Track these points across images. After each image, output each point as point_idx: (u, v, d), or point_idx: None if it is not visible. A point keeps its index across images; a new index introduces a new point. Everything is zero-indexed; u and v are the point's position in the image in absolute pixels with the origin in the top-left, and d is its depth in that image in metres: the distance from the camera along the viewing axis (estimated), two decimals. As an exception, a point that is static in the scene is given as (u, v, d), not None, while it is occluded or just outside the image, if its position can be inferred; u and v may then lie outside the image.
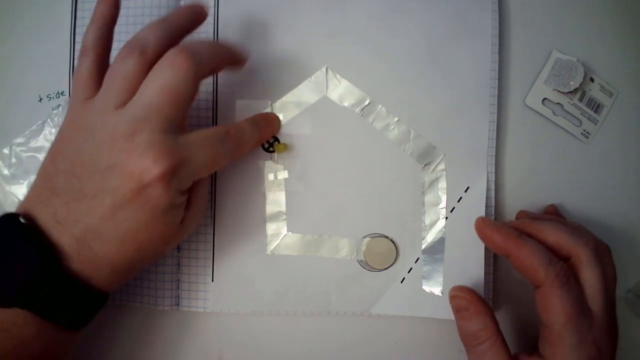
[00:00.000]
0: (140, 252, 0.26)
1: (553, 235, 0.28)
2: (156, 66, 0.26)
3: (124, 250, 0.26)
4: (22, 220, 0.25)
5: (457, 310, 0.30)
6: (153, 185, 0.24)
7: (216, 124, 0.34)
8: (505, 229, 0.28)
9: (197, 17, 0.29)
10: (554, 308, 0.26)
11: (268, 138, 0.33)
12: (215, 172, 0.34)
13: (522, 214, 0.33)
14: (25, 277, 0.24)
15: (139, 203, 0.25)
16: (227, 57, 0.30)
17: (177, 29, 0.28)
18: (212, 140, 0.27)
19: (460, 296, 0.30)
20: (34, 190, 0.26)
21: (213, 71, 0.29)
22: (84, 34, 0.29)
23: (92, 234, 0.25)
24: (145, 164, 0.24)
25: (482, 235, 0.29)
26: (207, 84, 0.34)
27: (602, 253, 0.28)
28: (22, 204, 0.26)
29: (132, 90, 0.26)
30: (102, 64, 0.28)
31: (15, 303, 0.24)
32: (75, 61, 0.35)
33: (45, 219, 0.25)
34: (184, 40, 0.29)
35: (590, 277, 0.27)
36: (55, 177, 0.26)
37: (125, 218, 0.25)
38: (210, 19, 0.34)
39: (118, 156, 0.25)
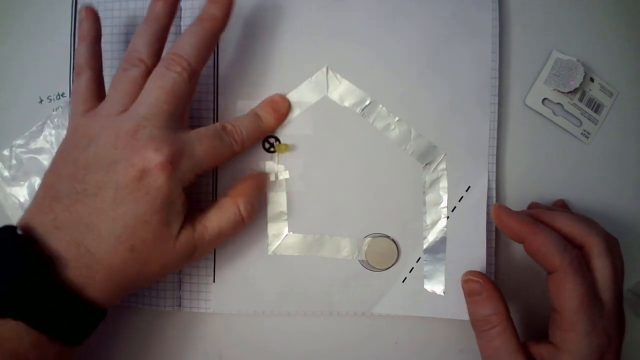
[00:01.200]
0: (134, 254, 0.26)
1: (566, 224, 0.28)
2: (154, 71, 0.28)
3: (120, 249, 0.26)
4: (18, 231, 0.25)
5: (469, 294, 0.30)
6: (154, 172, 0.26)
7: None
8: (521, 215, 0.29)
9: (171, 10, 0.30)
10: (568, 294, 0.26)
11: (278, 123, 0.33)
12: (216, 172, 0.34)
13: (535, 205, 0.33)
14: (16, 285, 0.24)
15: (140, 194, 0.26)
16: (213, 38, 0.30)
17: (161, 29, 0.30)
18: (210, 135, 0.29)
19: (474, 280, 0.30)
20: (34, 200, 0.27)
21: (206, 59, 0.29)
22: (76, 54, 0.31)
23: (91, 232, 0.25)
24: (146, 154, 0.26)
25: (499, 221, 0.29)
26: (207, 84, 0.34)
27: (613, 246, 0.28)
28: (23, 215, 0.27)
29: (134, 97, 0.28)
30: (98, 78, 0.30)
31: (5, 312, 0.24)
32: (75, 62, 0.34)
33: (44, 227, 0.25)
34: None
35: (602, 267, 0.27)
36: (57, 184, 0.26)
37: (125, 211, 0.25)
38: (210, 20, 0.34)
39: (122, 152, 0.26)
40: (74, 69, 0.34)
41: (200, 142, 0.28)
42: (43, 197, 0.27)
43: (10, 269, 0.24)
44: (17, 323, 0.24)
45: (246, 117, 0.31)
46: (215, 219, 0.29)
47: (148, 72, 0.28)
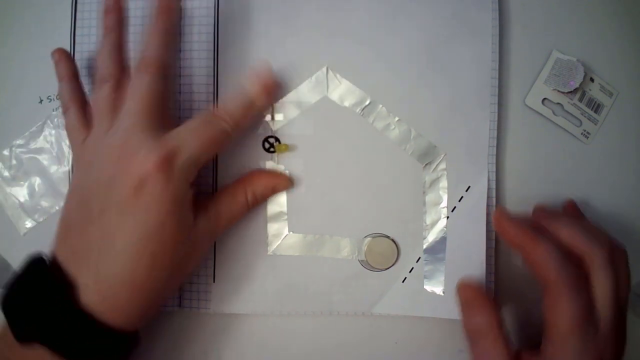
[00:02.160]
0: (156, 260, 0.26)
1: (568, 233, 0.27)
2: (129, 84, 0.29)
3: (140, 260, 0.26)
4: (45, 258, 0.27)
5: (463, 303, 0.30)
6: (151, 178, 0.25)
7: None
8: (522, 224, 0.28)
9: (120, 18, 0.31)
10: (561, 311, 0.26)
11: (268, 95, 0.30)
12: (216, 173, 0.34)
13: (540, 209, 0.32)
14: (38, 311, 0.25)
15: (144, 201, 0.25)
16: (174, 29, 0.30)
17: (118, 39, 0.30)
18: (200, 125, 0.28)
19: (467, 290, 0.30)
20: (56, 230, 0.28)
21: (174, 50, 0.30)
22: (59, 92, 0.32)
23: (106, 254, 0.25)
24: (139, 162, 0.26)
25: (499, 227, 0.29)
26: (207, 84, 0.34)
27: (618, 258, 0.27)
28: (51, 246, 0.28)
29: (116, 111, 0.28)
30: (84, 109, 0.31)
31: (30, 337, 0.24)
32: (75, 61, 0.35)
33: (64, 255, 0.26)
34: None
35: (601, 283, 0.26)
36: (70, 214, 0.28)
37: (135, 223, 0.25)
38: (210, 19, 0.34)
39: (116, 167, 0.26)
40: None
41: (192, 135, 0.27)
42: (61, 227, 0.28)
43: (36, 295, 0.25)
44: (43, 348, 0.24)
45: (233, 95, 0.30)
46: (227, 204, 0.30)
47: (120, 83, 0.29)
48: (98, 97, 0.29)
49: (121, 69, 0.30)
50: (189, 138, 0.27)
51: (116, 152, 0.26)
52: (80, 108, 0.30)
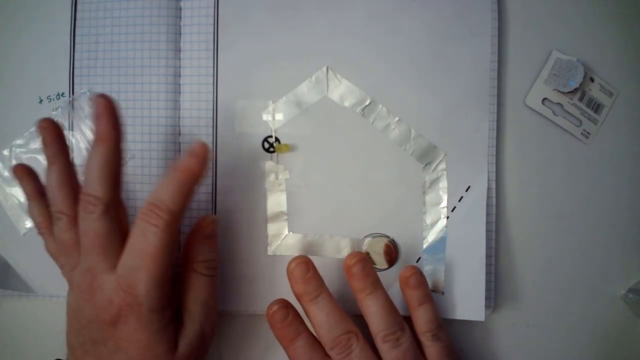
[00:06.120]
0: None
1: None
2: (79, 221, 0.27)
3: None
4: None
5: (274, 321, 0.30)
6: (121, 321, 0.26)
7: (216, 126, 0.34)
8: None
9: (62, 151, 0.29)
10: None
11: (202, 167, 0.27)
12: (216, 173, 0.34)
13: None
14: None
15: (123, 341, 0.26)
16: (113, 161, 0.27)
17: (63, 171, 0.29)
18: (137, 243, 0.26)
19: (278, 308, 0.30)
20: (67, 342, 0.29)
21: (116, 189, 0.28)
22: (28, 210, 0.31)
23: None
24: (105, 307, 0.26)
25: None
26: (207, 84, 0.34)
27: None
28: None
29: (75, 248, 0.28)
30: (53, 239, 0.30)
31: None
32: (75, 62, 0.35)
33: None
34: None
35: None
36: (70, 334, 0.28)
37: (122, 357, 0.26)
38: (210, 20, 0.34)
39: (90, 307, 0.27)
40: (74, 69, 0.34)
41: (134, 258, 0.26)
42: (67, 344, 0.28)
43: None
44: None
45: (164, 181, 0.27)
46: (191, 294, 0.29)
47: (72, 219, 0.28)
48: (57, 234, 0.29)
49: (70, 205, 0.28)
50: (136, 263, 0.26)
51: (86, 294, 0.27)
52: (52, 234, 0.30)
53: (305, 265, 0.30)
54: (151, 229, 0.26)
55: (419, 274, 0.31)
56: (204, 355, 0.30)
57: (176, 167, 0.27)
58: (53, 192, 0.28)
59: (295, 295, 0.30)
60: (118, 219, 0.28)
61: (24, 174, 0.31)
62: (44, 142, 0.29)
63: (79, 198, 0.27)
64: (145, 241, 0.26)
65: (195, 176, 0.27)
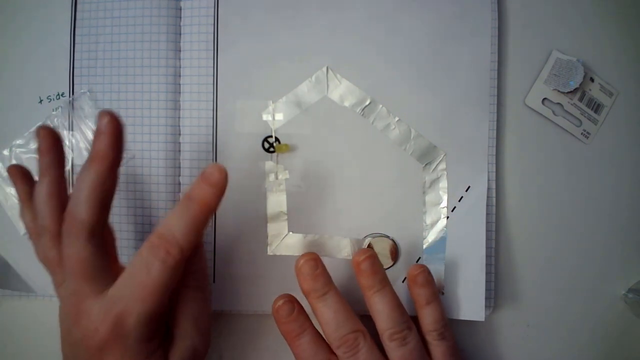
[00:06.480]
0: None
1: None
2: (62, 243, 0.26)
3: None
4: None
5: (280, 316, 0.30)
6: (107, 349, 0.25)
7: (216, 126, 0.34)
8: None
9: (56, 163, 0.28)
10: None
11: (219, 198, 0.25)
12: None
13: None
14: None
15: None
16: (103, 184, 0.25)
17: (54, 184, 0.27)
18: (137, 274, 0.25)
19: (284, 303, 0.30)
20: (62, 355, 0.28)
21: (104, 212, 0.26)
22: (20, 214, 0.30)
23: None
24: (91, 337, 0.25)
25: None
26: (207, 84, 0.34)
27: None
28: None
29: (60, 265, 0.26)
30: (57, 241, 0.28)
31: None
32: (75, 62, 0.35)
33: None
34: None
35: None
36: (62, 343, 0.27)
37: None
38: (210, 20, 0.34)
39: (76, 332, 0.25)
40: (74, 69, 0.34)
41: (130, 289, 0.25)
42: (62, 353, 0.27)
43: None
44: None
45: (176, 211, 0.25)
46: (180, 309, 0.28)
47: (56, 236, 0.26)
48: (42, 248, 0.27)
49: (56, 221, 0.27)
50: (130, 295, 0.24)
51: (73, 317, 0.25)
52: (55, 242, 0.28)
53: (314, 262, 0.29)
54: (156, 264, 0.24)
55: (427, 272, 0.31)
56: None
57: (191, 197, 0.25)
58: (40, 205, 0.27)
59: (303, 292, 0.30)
60: (103, 245, 0.26)
61: (18, 175, 0.30)
62: (39, 151, 0.27)
63: (64, 217, 0.25)
64: (147, 275, 0.24)
65: (212, 210, 0.25)
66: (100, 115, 0.25)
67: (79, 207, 0.25)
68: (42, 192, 0.27)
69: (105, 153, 0.25)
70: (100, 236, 0.26)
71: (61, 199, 0.27)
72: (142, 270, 0.24)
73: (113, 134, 0.25)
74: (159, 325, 0.26)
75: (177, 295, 0.28)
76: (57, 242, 0.26)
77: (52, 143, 0.27)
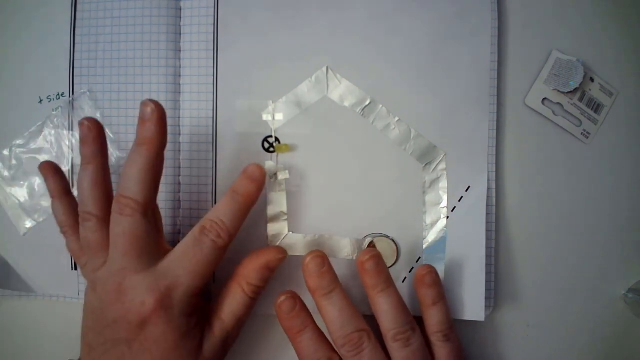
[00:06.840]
0: None
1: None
2: (110, 224, 0.28)
3: None
4: None
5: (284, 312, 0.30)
6: (151, 321, 0.26)
7: (216, 125, 0.34)
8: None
9: (99, 152, 0.29)
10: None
11: (259, 191, 0.29)
12: (216, 173, 0.34)
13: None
14: None
15: (149, 343, 0.27)
16: (154, 166, 0.28)
17: (98, 173, 0.29)
18: (190, 250, 0.28)
19: (287, 299, 0.30)
20: (81, 343, 0.29)
21: (153, 192, 0.28)
22: (52, 209, 0.31)
23: None
24: (136, 306, 0.26)
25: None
26: (207, 84, 0.34)
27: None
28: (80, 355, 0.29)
29: (103, 250, 0.28)
30: (76, 231, 0.30)
31: None
32: (75, 62, 0.35)
33: None
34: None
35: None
36: (88, 334, 0.28)
37: (147, 358, 0.27)
38: (210, 20, 0.34)
39: (117, 307, 0.27)
40: (74, 69, 0.35)
41: (183, 264, 0.27)
42: (83, 343, 0.28)
43: None
44: None
45: (224, 202, 0.28)
46: (228, 306, 0.29)
47: (102, 221, 0.28)
48: (84, 235, 0.29)
49: (101, 207, 0.28)
50: (181, 269, 0.27)
51: (114, 294, 0.27)
52: (75, 232, 0.30)
53: (320, 259, 0.30)
54: (208, 243, 0.27)
55: (435, 273, 0.31)
56: (223, 358, 0.30)
57: (237, 191, 0.28)
58: (85, 192, 0.28)
59: (309, 290, 0.30)
60: (154, 222, 0.29)
61: (50, 171, 0.31)
62: (83, 141, 0.28)
63: (115, 199, 0.27)
64: (200, 251, 0.27)
65: (254, 202, 0.29)
66: (144, 104, 0.27)
67: (132, 188, 0.27)
68: (87, 180, 0.28)
69: (153, 138, 0.27)
70: (152, 214, 0.28)
71: (105, 186, 0.29)
72: (195, 248, 0.27)
73: (158, 121, 0.27)
74: (199, 302, 0.28)
75: (229, 293, 0.30)
76: (102, 226, 0.28)
77: (97, 133, 0.29)
